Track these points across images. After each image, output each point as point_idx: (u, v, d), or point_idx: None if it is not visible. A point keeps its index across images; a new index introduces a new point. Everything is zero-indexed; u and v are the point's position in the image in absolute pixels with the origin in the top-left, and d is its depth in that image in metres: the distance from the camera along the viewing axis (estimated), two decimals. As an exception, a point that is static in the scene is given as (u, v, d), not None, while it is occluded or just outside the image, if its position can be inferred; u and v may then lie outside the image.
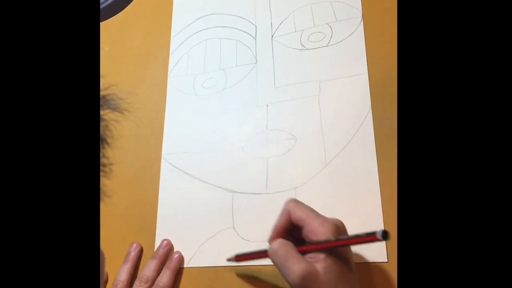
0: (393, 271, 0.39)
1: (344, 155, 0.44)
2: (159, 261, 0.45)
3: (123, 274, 0.45)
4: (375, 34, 0.48)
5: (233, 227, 0.45)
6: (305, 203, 0.38)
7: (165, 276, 0.44)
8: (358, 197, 0.42)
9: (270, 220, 0.38)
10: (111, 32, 0.60)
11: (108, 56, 0.59)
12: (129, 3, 0.61)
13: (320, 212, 0.40)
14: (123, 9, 0.61)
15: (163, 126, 0.52)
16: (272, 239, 0.38)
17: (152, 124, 0.53)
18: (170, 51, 0.56)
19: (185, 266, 0.45)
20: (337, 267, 0.33)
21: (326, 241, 0.34)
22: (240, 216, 0.45)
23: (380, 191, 0.42)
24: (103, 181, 0.34)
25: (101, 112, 0.32)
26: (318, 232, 0.35)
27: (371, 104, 0.45)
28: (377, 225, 0.40)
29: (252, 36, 0.52)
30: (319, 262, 0.33)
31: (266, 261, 0.42)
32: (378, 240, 0.31)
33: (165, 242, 0.46)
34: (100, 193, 0.33)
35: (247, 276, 0.43)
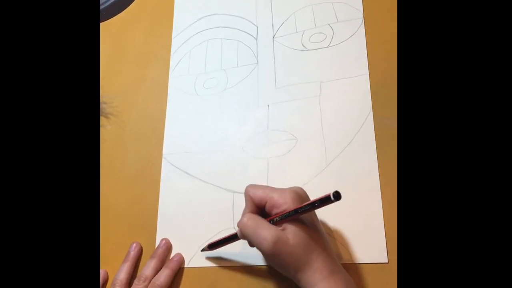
0: (393, 272, 0.39)
1: (345, 156, 0.44)
2: (158, 260, 0.45)
3: (122, 273, 0.45)
4: (376, 35, 0.48)
5: (234, 227, 0.45)
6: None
7: (163, 276, 0.44)
8: (359, 198, 0.42)
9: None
10: (113, 32, 0.60)
11: (110, 56, 0.59)
12: (131, 3, 0.61)
13: (321, 212, 0.40)
14: (124, 9, 0.61)
15: (164, 126, 0.52)
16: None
17: (153, 124, 0.53)
18: (171, 51, 0.56)
19: (185, 266, 0.45)
20: (303, 231, 0.35)
21: (289, 213, 0.35)
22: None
23: (381, 191, 0.42)
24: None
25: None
26: (279, 203, 0.36)
27: (372, 105, 0.45)
28: (378, 225, 0.40)
29: (253, 37, 0.53)
30: (287, 229, 0.35)
31: (267, 263, 0.42)
32: (331, 201, 0.33)
33: (164, 241, 0.46)
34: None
35: (247, 276, 0.43)
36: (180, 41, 0.56)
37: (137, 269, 0.47)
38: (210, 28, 0.55)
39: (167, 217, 0.48)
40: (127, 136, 0.53)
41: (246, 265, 0.43)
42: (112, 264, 0.48)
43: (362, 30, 0.48)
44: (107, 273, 0.48)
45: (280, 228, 0.36)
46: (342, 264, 0.38)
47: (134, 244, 0.47)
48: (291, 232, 0.35)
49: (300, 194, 0.37)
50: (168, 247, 0.46)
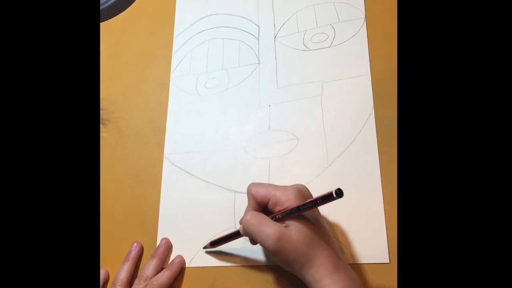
0: (394, 272, 0.39)
1: (347, 156, 0.44)
2: (159, 260, 0.45)
3: (123, 273, 0.45)
4: (378, 35, 0.48)
5: (235, 227, 0.45)
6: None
7: (163, 277, 0.44)
8: (361, 198, 0.42)
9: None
10: (114, 32, 0.60)
11: (111, 55, 0.59)
12: (132, 2, 0.61)
13: (322, 213, 0.40)
14: (125, 8, 0.61)
15: (165, 126, 0.52)
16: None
17: (154, 124, 0.53)
18: (172, 51, 0.56)
19: (186, 265, 0.45)
20: (307, 227, 0.35)
21: (291, 210, 0.36)
22: (242, 216, 0.45)
23: (382, 191, 0.42)
24: None
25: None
26: (281, 201, 0.36)
27: (374, 105, 0.45)
28: (379, 226, 0.40)
29: (255, 37, 0.52)
30: (290, 226, 0.36)
31: (268, 262, 0.42)
32: (333, 198, 0.33)
33: (164, 241, 0.46)
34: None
35: (248, 276, 0.43)
36: (181, 41, 0.56)
37: (138, 268, 0.47)
38: (212, 28, 0.55)
39: (168, 217, 0.48)
40: (128, 136, 0.53)
41: (247, 264, 0.43)
42: (113, 264, 0.48)
43: (363, 30, 0.48)
44: (108, 272, 0.48)
45: (284, 225, 0.36)
46: (343, 264, 0.38)
47: (135, 244, 0.47)
48: (294, 229, 0.35)
49: (302, 191, 0.37)
50: (169, 247, 0.46)
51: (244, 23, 0.54)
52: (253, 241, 0.39)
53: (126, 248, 0.47)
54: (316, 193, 0.36)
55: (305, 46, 0.50)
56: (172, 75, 0.55)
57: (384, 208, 0.41)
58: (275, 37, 0.52)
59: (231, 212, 0.46)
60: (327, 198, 0.33)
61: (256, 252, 0.43)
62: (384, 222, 0.41)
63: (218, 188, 0.47)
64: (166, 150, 0.51)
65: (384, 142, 0.43)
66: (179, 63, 0.55)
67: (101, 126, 0.54)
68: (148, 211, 0.49)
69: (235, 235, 0.41)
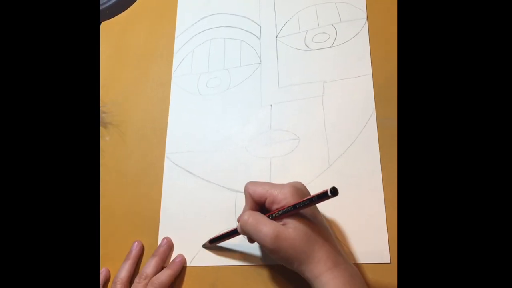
0: (395, 272, 0.39)
1: (348, 156, 0.44)
2: (159, 258, 0.45)
3: (123, 272, 0.45)
4: (380, 35, 0.48)
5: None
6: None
7: (163, 276, 0.44)
8: (362, 198, 0.42)
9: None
10: (115, 31, 0.60)
11: (112, 54, 0.59)
12: (133, 2, 0.61)
13: (323, 213, 0.40)
14: (127, 8, 0.61)
15: (166, 125, 0.52)
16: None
17: (155, 123, 0.53)
18: (174, 50, 0.56)
19: (187, 265, 0.45)
20: (304, 224, 0.36)
21: (287, 208, 0.36)
22: (243, 216, 0.45)
23: (383, 191, 0.42)
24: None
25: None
26: (279, 199, 0.37)
27: (375, 105, 0.45)
28: (380, 226, 0.41)
29: (257, 36, 0.53)
30: (287, 224, 0.36)
31: (269, 261, 0.43)
32: (328, 197, 0.33)
33: (165, 240, 0.47)
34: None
35: (248, 275, 0.43)
36: (183, 40, 0.56)
37: (139, 267, 0.47)
38: (213, 28, 0.55)
39: (170, 216, 0.48)
40: (129, 135, 0.53)
41: (248, 264, 0.43)
42: (114, 263, 0.48)
43: (365, 30, 0.48)
44: (109, 271, 0.48)
45: (281, 223, 0.36)
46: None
47: (136, 243, 0.47)
48: (291, 226, 0.35)
49: (299, 189, 0.37)
50: (170, 246, 0.46)
51: (245, 23, 0.54)
52: (251, 240, 0.40)
53: (127, 247, 0.47)
54: (317, 193, 0.36)
55: (306, 46, 0.50)
56: (173, 75, 0.55)
57: (385, 208, 0.41)
58: (276, 37, 0.52)
59: (232, 212, 0.46)
60: (322, 196, 0.33)
61: (257, 251, 0.44)
62: (385, 222, 0.41)
63: (219, 188, 0.47)
64: (167, 150, 0.51)
65: (386, 142, 0.43)
66: (180, 62, 0.55)
67: (103, 129, 0.54)
68: (149, 210, 0.49)
69: (233, 233, 0.41)
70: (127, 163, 0.52)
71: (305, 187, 0.38)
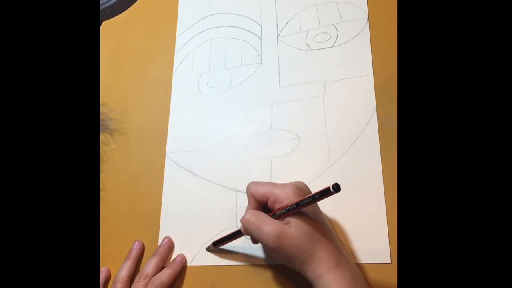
0: (396, 272, 0.39)
1: (349, 156, 0.44)
2: (160, 258, 0.45)
3: (124, 271, 0.45)
4: (381, 35, 0.48)
5: (237, 226, 0.45)
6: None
7: (164, 275, 0.44)
8: (362, 198, 0.42)
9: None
10: (116, 31, 0.60)
11: (113, 54, 0.59)
12: (134, 1, 0.61)
13: (324, 213, 0.40)
14: (128, 7, 0.61)
15: (167, 125, 0.52)
16: None
17: (156, 123, 0.53)
18: (175, 50, 0.56)
19: (188, 264, 0.45)
20: (306, 223, 0.36)
21: (290, 207, 0.36)
22: (244, 215, 0.45)
23: (384, 191, 0.42)
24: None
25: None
26: (281, 198, 0.37)
27: (376, 105, 0.45)
28: (381, 225, 0.41)
29: (258, 36, 0.53)
30: (290, 223, 0.36)
31: (269, 261, 0.43)
32: (331, 193, 0.33)
33: (166, 239, 0.47)
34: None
35: (249, 275, 0.43)
36: (184, 40, 0.56)
37: (139, 267, 0.47)
38: (214, 27, 0.55)
39: (170, 216, 0.48)
40: (130, 134, 0.53)
41: (248, 263, 0.43)
42: (115, 262, 0.48)
43: (366, 30, 0.48)
44: (109, 271, 0.48)
45: (283, 222, 0.36)
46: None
47: (136, 242, 0.47)
48: (294, 226, 0.35)
49: (301, 188, 0.37)
50: (170, 246, 0.46)
51: (246, 23, 0.54)
52: (255, 241, 0.40)
53: (127, 247, 0.47)
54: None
55: (307, 46, 0.50)
56: (174, 74, 0.55)
57: (386, 208, 0.41)
58: (277, 37, 0.52)
59: (232, 211, 0.46)
60: (325, 193, 0.33)
61: (258, 251, 0.44)
62: (386, 222, 0.41)
63: (220, 187, 0.47)
64: (168, 149, 0.51)
65: (386, 142, 0.43)
66: (181, 62, 0.55)
67: (109, 136, 0.54)
68: (150, 209, 0.49)
69: (236, 234, 0.41)
70: (128, 163, 0.52)
71: (307, 187, 0.38)
